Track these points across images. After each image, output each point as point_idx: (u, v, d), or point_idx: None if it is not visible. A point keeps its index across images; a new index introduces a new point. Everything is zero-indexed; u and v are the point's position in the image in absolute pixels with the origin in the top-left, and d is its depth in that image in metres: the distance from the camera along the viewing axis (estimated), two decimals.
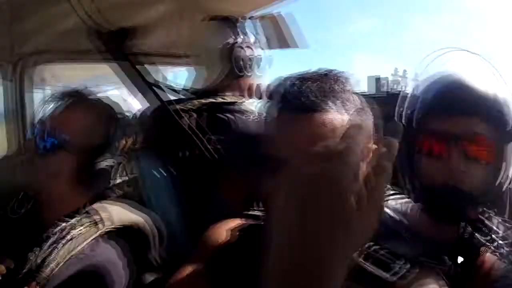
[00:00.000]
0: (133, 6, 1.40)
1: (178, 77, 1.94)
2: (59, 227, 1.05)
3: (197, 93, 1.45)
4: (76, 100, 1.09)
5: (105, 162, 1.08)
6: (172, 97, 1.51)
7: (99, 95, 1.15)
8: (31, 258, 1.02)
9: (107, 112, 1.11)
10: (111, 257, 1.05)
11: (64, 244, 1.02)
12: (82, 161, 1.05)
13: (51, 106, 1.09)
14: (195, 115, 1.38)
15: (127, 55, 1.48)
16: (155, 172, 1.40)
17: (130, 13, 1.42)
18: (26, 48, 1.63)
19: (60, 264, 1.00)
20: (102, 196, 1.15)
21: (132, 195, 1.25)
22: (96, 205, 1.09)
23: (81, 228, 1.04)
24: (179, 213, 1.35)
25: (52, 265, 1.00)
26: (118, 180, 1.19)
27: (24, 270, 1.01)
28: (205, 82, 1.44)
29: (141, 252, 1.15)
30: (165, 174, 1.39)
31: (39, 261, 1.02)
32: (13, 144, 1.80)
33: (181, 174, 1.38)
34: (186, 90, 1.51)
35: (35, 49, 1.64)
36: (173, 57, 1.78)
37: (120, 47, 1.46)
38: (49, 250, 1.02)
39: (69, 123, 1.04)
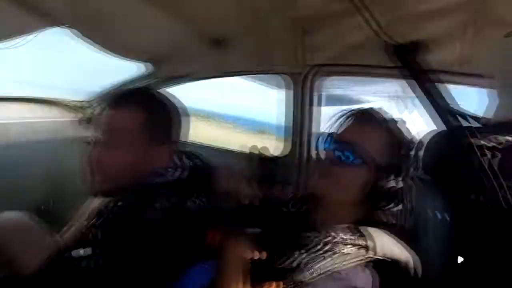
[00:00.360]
0: (425, 17, 1.31)
1: (470, 100, 1.66)
2: (330, 238, 1.11)
3: (499, 126, 1.23)
4: (375, 120, 1.16)
5: (390, 184, 1.11)
6: (464, 124, 1.30)
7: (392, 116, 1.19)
8: (294, 256, 1.12)
9: (400, 134, 1.16)
10: (368, 287, 1.06)
11: (329, 257, 1.08)
12: (373, 178, 1.11)
13: (346, 121, 1.18)
14: (498, 155, 1.19)
15: (419, 72, 1.39)
16: (435, 210, 1.29)
17: (422, 24, 1.34)
18: (316, 60, 1.76)
19: (318, 275, 1.06)
20: (374, 219, 1.18)
21: (400, 226, 1.23)
22: (368, 229, 1.12)
23: (350, 248, 1.09)
24: (448, 264, 1.23)
25: (311, 271, 1.07)
26: (392, 206, 1.20)
27: (283, 265, 1.12)
28: (507, 112, 1.24)
29: None
30: (446, 215, 1.27)
31: (300, 262, 1.10)
32: (287, 148, 2.03)
33: (467, 220, 1.22)
34: (486, 119, 1.29)
35: (325, 61, 1.76)
36: (465, 77, 1.61)
37: (411, 63, 1.39)
38: (314, 256, 1.09)
39: (368, 140, 1.11)
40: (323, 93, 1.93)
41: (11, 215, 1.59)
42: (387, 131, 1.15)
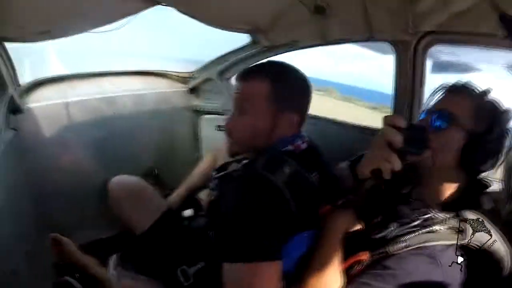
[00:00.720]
0: None
1: None
2: (427, 215, 1.16)
3: None
4: (465, 89, 1.25)
5: (483, 150, 1.17)
6: None
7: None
8: (390, 228, 1.18)
9: (492, 104, 1.22)
10: (453, 272, 1.10)
11: (423, 233, 1.13)
12: (464, 142, 1.18)
13: (440, 93, 1.29)
14: None
15: None
16: None
17: None
18: (425, 27, 1.75)
19: (408, 248, 1.12)
20: (474, 202, 1.20)
21: (498, 213, 1.27)
22: (468, 214, 1.16)
23: (444, 228, 1.13)
24: None
25: (403, 244, 1.12)
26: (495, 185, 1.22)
27: (380, 235, 1.18)
28: None
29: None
30: None
31: (395, 234, 1.16)
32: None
33: None
34: None
35: (433, 28, 1.74)
36: None
37: None
38: (409, 231, 1.15)
39: (456, 106, 1.20)
40: (434, 60, 1.91)
41: (126, 179, 1.88)
42: (477, 99, 1.22)
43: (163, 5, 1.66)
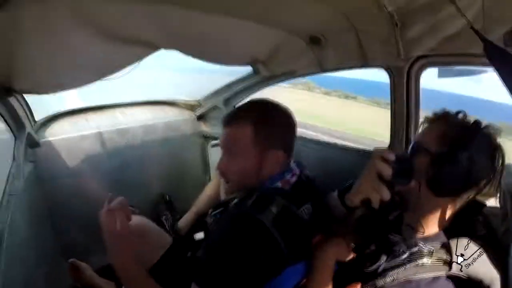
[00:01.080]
0: None
1: None
2: (414, 248, 1.19)
3: None
4: (437, 117, 1.29)
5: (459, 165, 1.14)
6: None
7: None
8: (381, 261, 1.20)
9: (464, 125, 1.23)
10: None
11: (411, 267, 1.16)
12: (433, 164, 1.18)
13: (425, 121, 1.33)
14: None
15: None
16: None
17: None
18: (415, 52, 1.77)
19: (397, 281, 1.14)
20: (470, 227, 1.22)
21: (491, 236, 1.26)
22: (458, 243, 1.18)
23: (432, 260, 1.16)
24: None
25: (391, 278, 1.15)
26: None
27: (371, 269, 1.20)
28: None
29: None
30: None
31: (384, 267, 1.19)
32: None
33: None
34: None
35: (425, 53, 1.76)
36: None
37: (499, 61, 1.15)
38: (397, 264, 1.18)
39: (427, 133, 1.27)
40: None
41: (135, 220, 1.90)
42: (447, 124, 1.25)
43: (165, 49, 1.75)
